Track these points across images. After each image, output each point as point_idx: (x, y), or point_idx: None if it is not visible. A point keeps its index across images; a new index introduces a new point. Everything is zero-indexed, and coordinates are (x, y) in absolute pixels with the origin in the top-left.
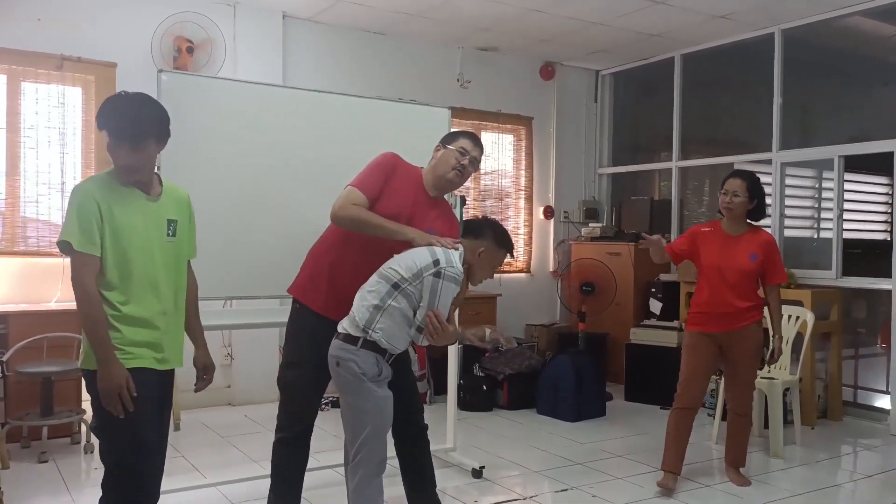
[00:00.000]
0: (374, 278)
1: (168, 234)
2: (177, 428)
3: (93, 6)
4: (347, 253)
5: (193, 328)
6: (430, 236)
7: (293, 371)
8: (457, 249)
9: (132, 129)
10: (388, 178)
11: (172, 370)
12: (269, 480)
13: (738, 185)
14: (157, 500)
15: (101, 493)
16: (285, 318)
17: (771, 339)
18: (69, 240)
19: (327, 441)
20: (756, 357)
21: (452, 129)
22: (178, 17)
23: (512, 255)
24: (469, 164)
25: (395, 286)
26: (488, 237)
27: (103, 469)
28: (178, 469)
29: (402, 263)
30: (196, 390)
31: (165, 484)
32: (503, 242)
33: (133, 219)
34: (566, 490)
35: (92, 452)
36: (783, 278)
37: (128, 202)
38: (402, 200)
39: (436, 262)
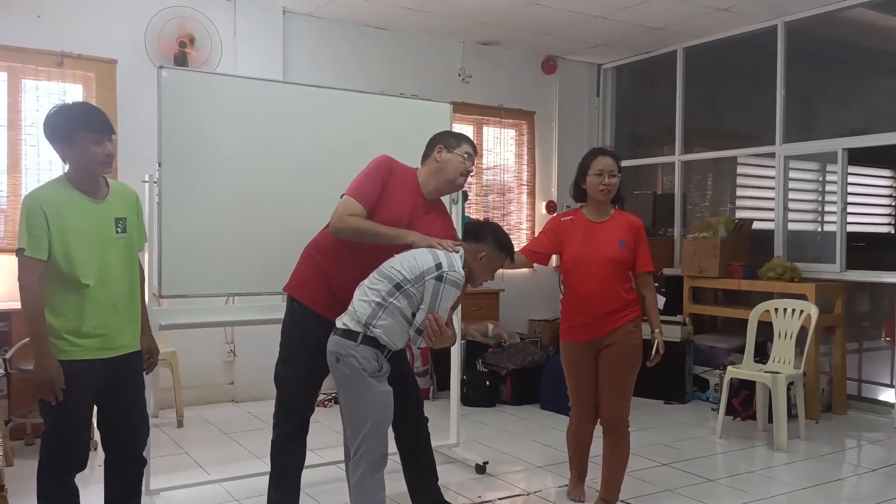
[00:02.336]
0: (374, 275)
1: (118, 231)
2: (180, 424)
3: (92, 3)
4: (345, 254)
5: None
6: (431, 238)
7: (289, 368)
8: (457, 252)
9: (108, 123)
10: (385, 183)
11: (135, 352)
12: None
13: (612, 164)
14: (83, 469)
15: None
16: None
17: (651, 334)
18: (22, 245)
19: (329, 437)
20: (632, 362)
21: (446, 130)
22: (175, 12)
23: (512, 260)
24: (472, 167)
25: (398, 286)
26: (490, 241)
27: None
28: (182, 465)
29: (404, 264)
30: (145, 373)
31: (169, 480)
32: (504, 247)
33: (78, 221)
34: None
35: (95, 449)
36: (651, 266)
37: (74, 207)
38: (400, 207)
39: (438, 266)
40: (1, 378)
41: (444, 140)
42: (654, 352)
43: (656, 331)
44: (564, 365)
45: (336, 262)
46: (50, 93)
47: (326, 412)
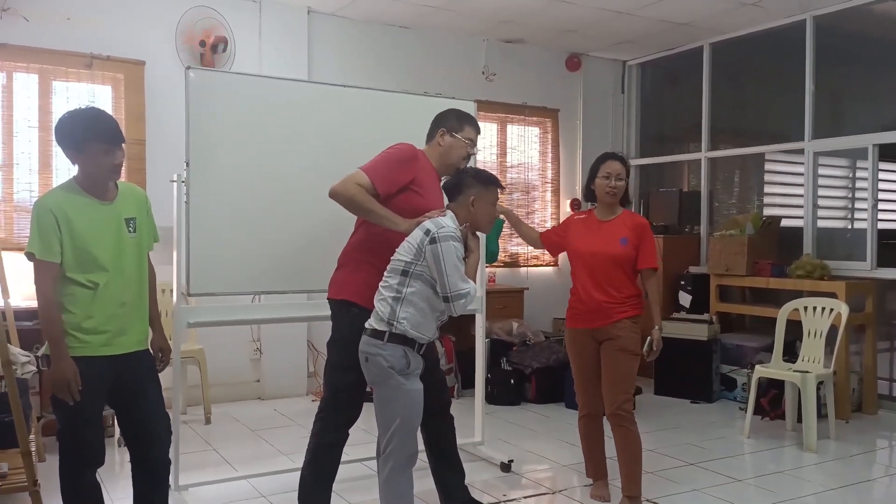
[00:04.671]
0: (385, 275)
1: (129, 231)
2: (208, 421)
3: (121, 5)
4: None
5: (151, 314)
6: (418, 218)
7: (349, 374)
8: (444, 215)
9: (118, 132)
10: (413, 173)
11: (143, 350)
12: (298, 474)
13: (620, 168)
14: (101, 464)
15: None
16: (313, 313)
17: (653, 329)
18: (32, 250)
19: (356, 434)
20: (629, 355)
21: (452, 110)
22: (201, 13)
23: (501, 188)
24: (474, 151)
25: (404, 273)
26: (471, 184)
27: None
28: (210, 462)
29: (402, 250)
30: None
31: (197, 476)
32: (486, 180)
33: (88, 223)
34: None
35: (121, 446)
36: (654, 263)
37: (83, 208)
38: (436, 192)
39: (427, 232)
40: (33, 375)
41: (448, 122)
42: (646, 346)
43: (656, 327)
44: (568, 350)
45: (380, 256)
46: (79, 94)
47: None
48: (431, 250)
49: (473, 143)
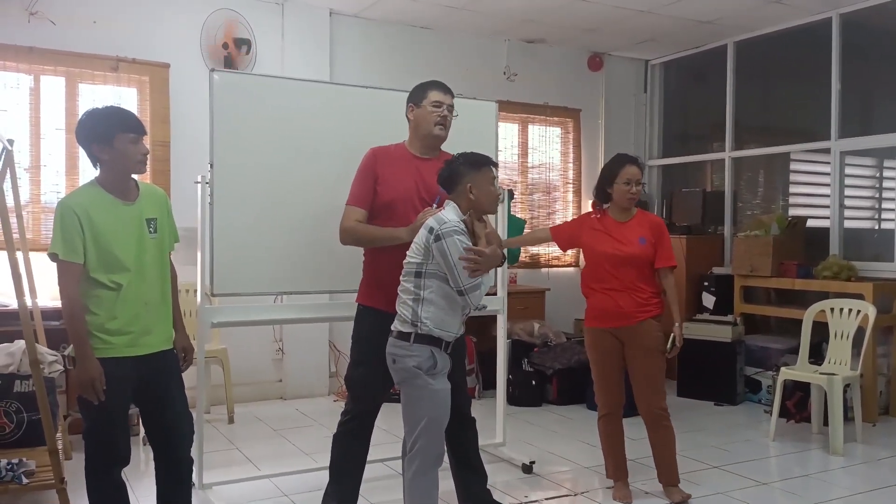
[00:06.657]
0: (401, 278)
1: (150, 232)
2: (231, 420)
3: (146, 9)
4: (390, 251)
5: (173, 314)
6: (416, 221)
7: (360, 369)
8: (443, 209)
9: (142, 123)
10: (375, 172)
11: (167, 351)
12: (321, 473)
13: (639, 173)
14: (127, 463)
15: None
16: (335, 313)
17: (674, 327)
18: (56, 251)
19: (378, 435)
20: (656, 355)
21: (417, 84)
22: (224, 16)
23: (494, 165)
24: (449, 113)
25: (418, 274)
26: (464, 172)
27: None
28: (233, 461)
29: (412, 252)
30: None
31: (221, 475)
32: (477, 163)
33: (111, 223)
34: None
35: (146, 444)
36: (672, 261)
37: (106, 209)
38: (399, 181)
39: (431, 230)
40: (60, 374)
41: (412, 97)
42: (669, 344)
43: (676, 324)
44: (589, 350)
45: (387, 255)
46: (105, 97)
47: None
48: (438, 247)
49: (441, 103)
